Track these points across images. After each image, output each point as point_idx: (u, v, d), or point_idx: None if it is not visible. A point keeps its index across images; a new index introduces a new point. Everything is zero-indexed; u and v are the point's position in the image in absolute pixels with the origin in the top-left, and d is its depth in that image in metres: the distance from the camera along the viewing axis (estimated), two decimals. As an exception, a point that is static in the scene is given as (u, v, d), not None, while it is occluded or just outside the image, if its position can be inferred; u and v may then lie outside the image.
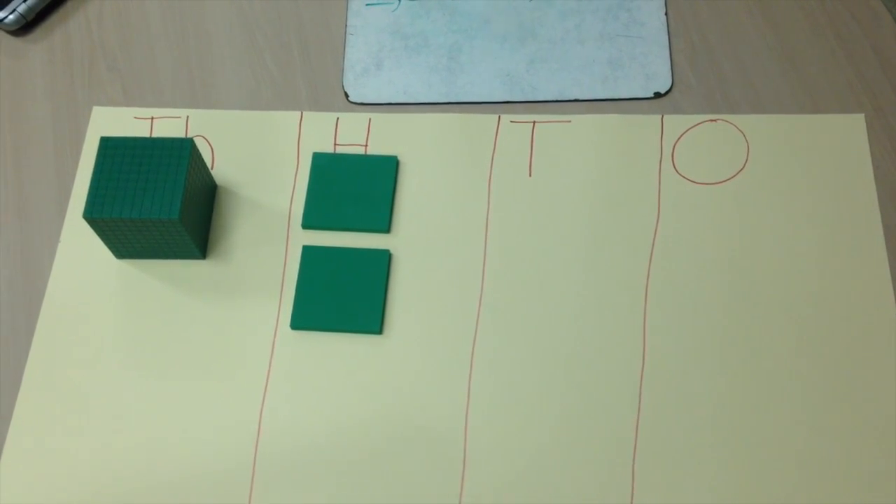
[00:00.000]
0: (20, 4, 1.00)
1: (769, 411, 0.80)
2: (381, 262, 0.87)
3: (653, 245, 0.87)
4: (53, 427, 0.82)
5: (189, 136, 0.94)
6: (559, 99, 0.95)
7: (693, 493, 0.77)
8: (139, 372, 0.84)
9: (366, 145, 0.93)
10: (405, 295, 0.86)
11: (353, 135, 0.94)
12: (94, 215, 0.81)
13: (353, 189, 0.91)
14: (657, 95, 0.94)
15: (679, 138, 0.92)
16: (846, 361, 0.81)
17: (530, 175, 0.91)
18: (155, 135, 0.94)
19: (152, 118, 0.96)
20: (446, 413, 0.81)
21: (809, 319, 0.83)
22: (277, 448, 0.80)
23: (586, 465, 0.79)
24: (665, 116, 0.93)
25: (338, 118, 0.95)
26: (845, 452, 0.78)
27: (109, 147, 0.83)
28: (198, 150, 0.85)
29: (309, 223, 0.90)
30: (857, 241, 0.86)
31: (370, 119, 0.95)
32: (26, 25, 1.02)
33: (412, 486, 0.79)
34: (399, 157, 0.92)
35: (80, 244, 0.89)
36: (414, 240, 0.89)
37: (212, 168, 0.93)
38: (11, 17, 1.00)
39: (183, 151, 0.83)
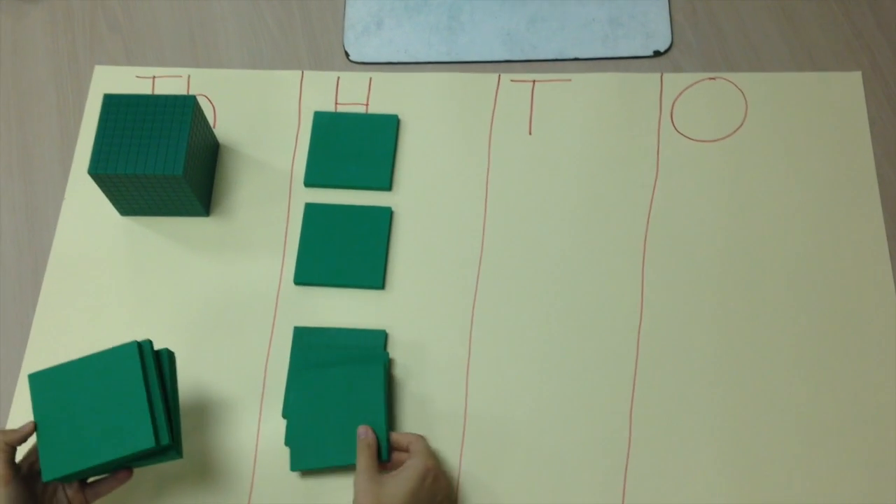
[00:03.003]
0: (20, -36, 1.00)
1: (763, 362, 0.81)
2: (383, 219, 0.88)
3: (651, 201, 0.88)
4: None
5: (191, 94, 0.94)
6: (559, 58, 0.95)
7: (688, 440, 0.79)
8: (144, 326, 0.85)
9: (367, 104, 0.94)
10: (407, 251, 0.87)
11: (353, 94, 0.94)
12: (99, 171, 0.82)
13: (355, 147, 0.91)
14: (657, 54, 0.95)
15: (678, 96, 0.92)
16: (841, 313, 0.83)
17: (530, 133, 0.92)
18: (157, 94, 0.94)
19: (154, 77, 0.96)
20: (448, 366, 0.83)
21: (805, 273, 0.84)
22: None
23: (584, 414, 0.80)
24: (664, 75, 0.93)
25: (339, 77, 0.95)
26: (839, 402, 0.80)
27: (113, 104, 0.84)
28: (200, 108, 0.86)
29: (311, 181, 0.90)
30: (853, 195, 0.87)
31: (371, 78, 0.95)
32: (27, -15, 1.02)
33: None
34: (400, 116, 0.93)
35: (84, 201, 0.90)
36: (415, 197, 0.90)
37: (214, 127, 0.93)
38: (12, -24, 1.00)
39: (186, 108, 0.84)
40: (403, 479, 0.72)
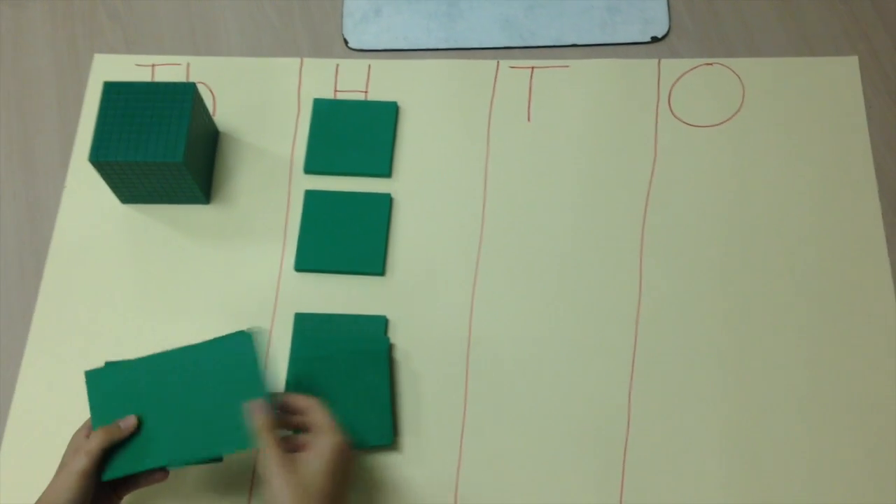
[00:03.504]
0: (18, -47, 1.00)
1: (762, 347, 0.82)
2: (383, 206, 0.88)
3: (649, 186, 0.89)
4: (62, 366, 0.83)
5: (190, 82, 0.95)
6: (557, 44, 0.95)
7: (686, 425, 0.80)
8: (146, 313, 0.85)
9: (366, 91, 0.94)
10: (407, 237, 0.88)
11: (353, 81, 0.95)
12: (100, 158, 0.82)
13: (354, 134, 0.92)
14: (654, 40, 0.95)
15: (676, 82, 0.93)
16: (838, 297, 0.83)
17: (529, 120, 0.92)
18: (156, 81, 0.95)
19: (153, 65, 0.96)
20: (448, 351, 0.83)
21: (802, 258, 0.85)
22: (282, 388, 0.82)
23: (584, 399, 0.81)
24: (662, 60, 0.93)
25: (338, 65, 0.96)
26: (838, 388, 0.80)
27: (113, 91, 0.84)
28: (200, 95, 0.86)
29: (311, 168, 0.91)
30: (850, 179, 0.88)
31: (370, 65, 0.95)
32: (25, -26, 1.02)
33: (416, 422, 0.81)
34: (399, 103, 0.93)
35: (85, 189, 0.91)
36: (415, 183, 0.90)
37: (213, 115, 0.93)
38: (10, -35, 1.00)
39: (185, 95, 0.84)
40: (320, 460, 0.66)
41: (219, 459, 0.73)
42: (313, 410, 0.70)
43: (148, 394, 0.71)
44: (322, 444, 0.67)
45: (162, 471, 0.73)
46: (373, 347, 0.81)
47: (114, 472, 0.69)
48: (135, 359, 0.72)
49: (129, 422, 0.70)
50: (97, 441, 0.69)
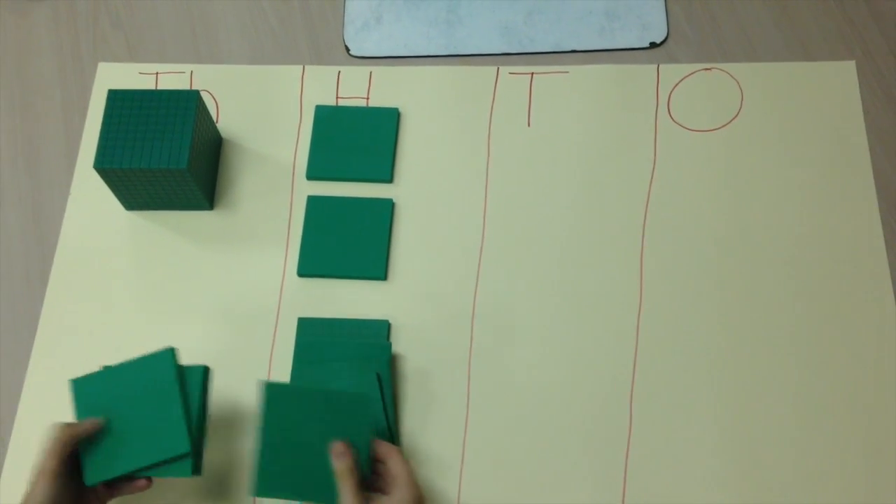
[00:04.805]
0: (23, -38, 1.01)
1: (761, 348, 0.82)
2: (385, 211, 0.89)
3: (649, 191, 0.89)
4: (67, 372, 0.83)
5: (194, 89, 0.95)
6: (557, 50, 0.96)
7: (687, 425, 0.80)
8: (150, 319, 0.86)
9: (367, 98, 0.95)
10: (408, 242, 0.89)
11: (354, 88, 0.96)
12: (105, 165, 0.83)
13: (356, 140, 0.92)
14: (653, 45, 0.96)
15: (674, 87, 0.93)
16: (838, 300, 0.84)
17: (529, 125, 0.93)
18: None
19: (157, 73, 0.97)
20: (450, 355, 0.84)
21: (801, 261, 0.86)
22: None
23: (586, 401, 0.82)
24: (661, 66, 0.94)
25: (339, 72, 0.96)
26: (837, 385, 0.81)
27: (117, 99, 0.85)
28: (203, 102, 0.87)
29: (313, 174, 0.92)
30: (849, 183, 0.88)
31: (371, 72, 0.96)
32: (30, -17, 1.03)
33: (419, 426, 0.81)
34: (400, 109, 0.94)
35: (89, 196, 0.91)
36: (416, 189, 0.91)
37: (217, 122, 0.94)
38: (15, -25, 1.01)
39: (189, 103, 0.85)
40: None
41: (196, 473, 0.74)
42: (392, 460, 0.71)
43: (119, 402, 0.73)
44: (399, 497, 0.68)
45: (146, 479, 0.74)
46: (375, 352, 0.82)
47: (94, 476, 0.71)
48: (115, 365, 0.75)
49: (90, 421, 0.72)
50: (54, 439, 0.70)
